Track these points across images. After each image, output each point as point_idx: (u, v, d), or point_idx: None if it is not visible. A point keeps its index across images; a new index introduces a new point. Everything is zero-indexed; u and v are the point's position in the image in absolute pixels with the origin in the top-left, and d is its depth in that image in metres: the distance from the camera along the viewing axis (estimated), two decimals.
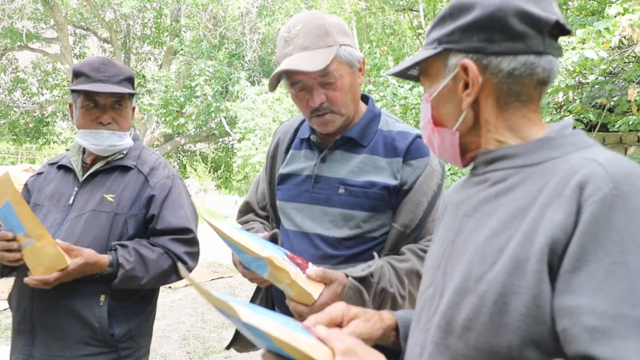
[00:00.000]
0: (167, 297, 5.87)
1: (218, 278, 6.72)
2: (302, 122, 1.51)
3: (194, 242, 1.67)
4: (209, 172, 16.65)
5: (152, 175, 1.68)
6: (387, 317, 0.94)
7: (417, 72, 0.92)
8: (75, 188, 1.66)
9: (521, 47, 0.77)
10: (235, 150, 12.94)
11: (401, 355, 0.94)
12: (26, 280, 1.46)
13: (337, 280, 1.19)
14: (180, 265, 0.69)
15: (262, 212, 1.59)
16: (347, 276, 1.20)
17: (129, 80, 1.68)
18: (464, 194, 0.87)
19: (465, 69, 0.80)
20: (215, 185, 16.52)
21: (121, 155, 1.70)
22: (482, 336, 0.71)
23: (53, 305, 1.55)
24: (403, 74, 0.94)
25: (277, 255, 1.07)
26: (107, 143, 1.64)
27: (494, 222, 0.75)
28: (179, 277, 1.66)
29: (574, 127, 0.81)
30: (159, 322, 5.12)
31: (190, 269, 1.66)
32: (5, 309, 5.36)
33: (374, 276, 1.24)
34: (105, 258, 1.53)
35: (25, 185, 1.79)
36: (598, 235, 0.63)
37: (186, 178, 16.74)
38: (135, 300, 1.65)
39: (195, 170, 16.07)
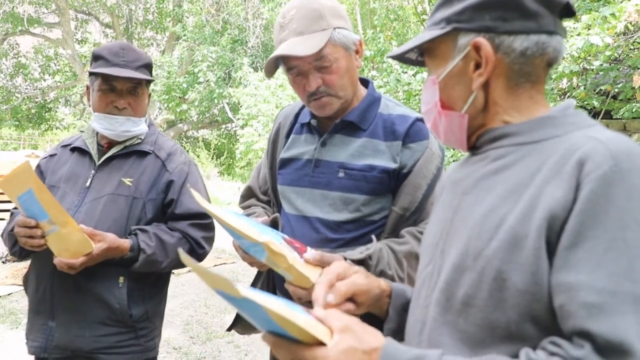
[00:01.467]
0: (170, 283, 5.88)
1: (221, 264, 6.76)
2: (303, 106, 1.52)
3: (210, 227, 1.71)
4: (212, 158, 16.66)
5: (170, 161, 1.70)
6: (384, 283, 0.96)
7: (416, 56, 0.91)
8: (92, 171, 1.68)
9: (534, 26, 0.77)
10: (238, 137, 12.92)
11: (385, 323, 0.95)
12: (55, 261, 1.49)
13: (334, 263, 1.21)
14: (180, 250, 0.70)
15: (263, 197, 1.60)
16: (345, 259, 1.21)
17: (147, 67, 1.70)
18: (463, 172, 0.87)
19: (477, 48, 0.79)
20: (218, 172, 16.54)
21: (139, 141, 1.73)
22: (481, 312, 0.72)
23: (73, 287, 1.59)
24: (403, 58, 0.93)
25: (275, 240, 1.08)
26: (121, 129, 1.66)
27: (491, 198, 0.76)
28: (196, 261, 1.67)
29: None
30: None
31: (205, 254, 1.70)
32: (9, 294, 5.41)
33: (372, 259, 1.25)
34: (127, 243, 1.56)
35: (38, 166, 1.80)
36: (597, 212, 0.63)
37: None
38: (151, 283, 1.70)
39: (198, 156, 16.08)
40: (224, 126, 18.23)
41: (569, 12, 0.80)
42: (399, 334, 0.95)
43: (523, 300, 0.68)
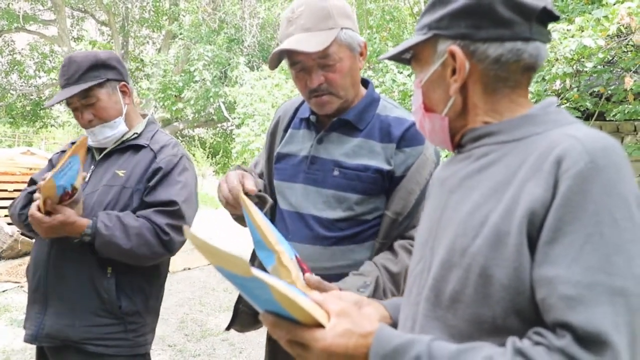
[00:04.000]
0: (166, 281, 5.91)
1: None
2: (304, 101, 1.54)
3: (178, 215, 1.67)
4: (207, 157, 16.61)
5: (161, 152, 1.75)
6: (383, 310, 0.97)
7: (410, 56, 0.94)
8: (92, 166, 1.75)
9: (507, 34, 0.79)
10: (233, 136, 12.90)
11: None
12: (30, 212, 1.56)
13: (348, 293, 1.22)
14: (185, 227, 0.72)
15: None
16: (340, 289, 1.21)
17: (95, 68, 1.69)
18: (449, 171, 0.90)
19: (453, 55, 0.82)
20: (214, 171, 16.50)
21: (135, 136, 1.78)
22: (468, 307, 0.75)
23: (66, 274, 1.64)
24: (398, 58, 0.96)
25: (287, 253, 1.09)
26: (100, 137, 1.72)
27: (476, 196, 0.79)
28: (167, 251, 1.67)
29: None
30: None
31: (172, 242, 1.67)
32: (4, 291, 5.40)
33: (369, 292, 1.26)
34: (85, 221, 1.58)
35: (50, 161, 1.92)
36: (574, 207, 0.66)
37: None
38: (143, 277, 1.72)
39: (193, 155, 16.03)
40: (219, 125, 18.16)
41: (552, 17, 0.82)
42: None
43: (507, 295, 0.70)
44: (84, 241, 1.58)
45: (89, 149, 1.81)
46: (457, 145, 0.91)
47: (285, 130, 1.53)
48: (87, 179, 1.72)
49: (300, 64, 1.34)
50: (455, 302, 0.77)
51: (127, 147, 1.76)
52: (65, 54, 17.58)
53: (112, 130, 1.72)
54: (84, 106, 1.69)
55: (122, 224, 1.61)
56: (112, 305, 1.63)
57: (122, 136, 1.76)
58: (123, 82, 1.78)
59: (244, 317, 1.57)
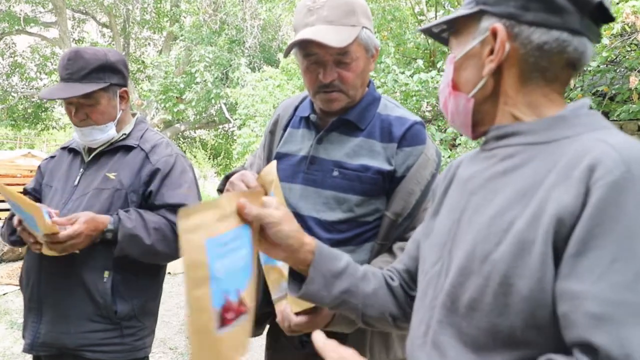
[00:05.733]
0: (167, 283, 5.88)
1: None
2: (303, 100, 1.50)
3: None
4: (209, 158, 16.60)
5: (154, 153, 1.70)
6: (309, 238, 0.95)
7: (448, 34, 0.89)
8: (81, 169, 1.70)
9: (556, 21, 0.75)
10: (235, 137, 12.88)
11: (305, 283, 0.94)
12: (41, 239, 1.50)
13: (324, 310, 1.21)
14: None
15: None
16: None
17: (102, 70, 1.64)
18: (471, 170, 0.85)
19: (494, 33, 0.77)
20: (215, 172, 16.50)
21: (124, 136, 1.73)
22: (486, 316, 0.71)
23: (60, 280, 1.60)
24: (437, 36, 0.91)
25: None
26: (88, 138, 1.69)
27: (499, 200, 0.74)
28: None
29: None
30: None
31: None
32: (4, 294, 5.38)
33: None
34: (106, 217, 1.56)
35: (39, 168, 1.86)
36: (605, 219, 0.61)
37: None
38: (139, 279, 1.68)
39: (194, 157, 16.03)
40: (221, 126, 18.17)
41: (606, 16, 0.77)
42: (321, 298, 0.94)
43: (527, 307, 0.66)
44: (105, 239, 1.54)
45: (77, 152, 1.77)
46: (481, 138, 0.87)
47: (285, 129, 1.49)
48: (76, 183, 1.69)
49: (316, 57, 1.30)
50: (472, 310, 0.73)
51: (116, 148, 1.72)
52: None
53: (102, 133, 1.69)
54: (80, 104, 1.64)
55: (141, 218, 1.59)
56: (107, 310, 1.59)
57: (111, 138, 1.73)
58: (124, 88, 1.74)
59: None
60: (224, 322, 0.80)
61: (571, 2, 0.74)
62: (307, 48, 1.29)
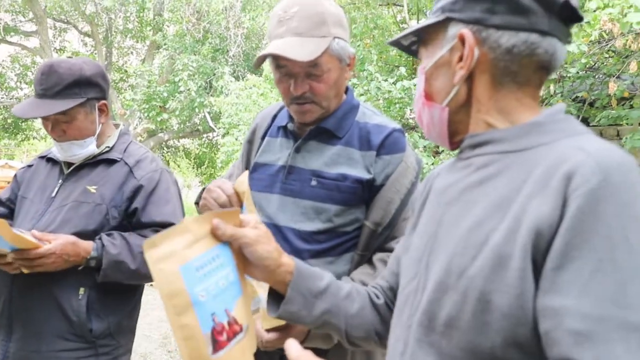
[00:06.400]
0: (149, 295, 5.80)
1: None
2: (281, 109, 1.48)
3: None
4: (193, 167, 16.49)
5: (138, 168, 1.64)
6: (287, 258, 0.92)
7: (417, 45, 0.87)
8: (60, 181, 1.64)
9: (523, 23, 0.73)
10: (219, 146, 12.82)
11: (283, 303, 0.91)
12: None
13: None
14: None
15: None
16: None
17: (77, 85, 1.57)
18: (447, 180, 0.82)
19: (462, 39, 0.75)
20: (200, 181, 16.38)
21: (107, 149, 1.67)
22: (464, 335, 0.67)
23: (32, 296, 1.53)
24: (405, 49, 0.89)
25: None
26: (67, 154, 1.64)
27: (476, 211, 0.71)
28: None
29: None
30: (140, 320, 5.04)
31: None
32: None
33: None
34: (89, 243, 1.49)
35: (15, 177, 1.78)
36: (584, 230, 0.58)
37: None
38: (116, 296, 1.61)
39: (178, 166, 15.90)
40: (205, 135, 18.07)
41: (574, 16, 0.75)
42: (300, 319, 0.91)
43: (507, 324, 0.63)
44: (88, 266, 1.49)
45: (55, 162, 1.72)
46: (457, 148, 0.85)
47: (263, 138, 1.47)
48: (54, 194, 1.63)
49: (286, 69, 1.28)
50: (451, 328, 0.70)
51: (98, 161, 1.67)
52: None
53: (81, 149, 1.64)
54: (56, 121, 1.60)
55: (127, 242, 1.54)
56: (81, 329, 1.53)
57: (92, 153, 1.68)
58: (103, 101, 1.68)
59: None
60: (218, 345, 0.78)
61: (537, 3, 0.73)
62: (276, 61, 1.28)
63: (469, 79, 0.78)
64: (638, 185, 0.61)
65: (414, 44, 0.88)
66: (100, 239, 1.53)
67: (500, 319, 0.64)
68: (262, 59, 1.28)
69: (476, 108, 0.79)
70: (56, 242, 1.43)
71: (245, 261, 0.89)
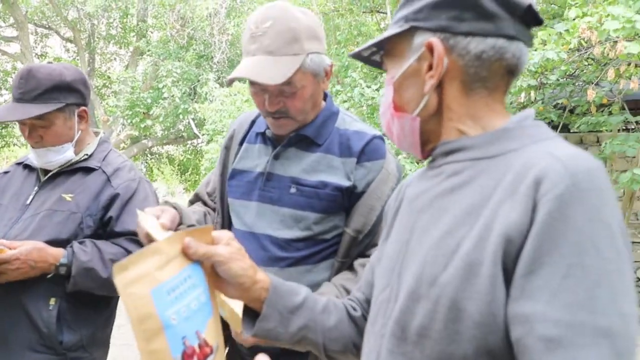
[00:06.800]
0: (117, 307, 5.70)
1: None
2: (260, 114, 1.47)
3: None
4: (177, 174, 16.36)
5: (116, 177, 1.61)
6: (262, 275, 0.88)
7: (380, 58, 0.87)
8: (36, 188, 1.60)
9: (491, 29, 0.73)
10: (203, 153, 12.74)
11: (259, 320, 0.87)
12: None
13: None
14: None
15: (212, 202, 1.54)
16: None
17: (56, 90, 1.55)
18: (419, 188, 0.82)
19: (430, 48, 0.75)
20: (184, 188, 16.25)
21: (85, 157, 1.64)
22: (437, 344, 0.67)
23: (0, 306, 1.47)
24: (367, 60, 0.89)
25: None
26: (44, 160, 1.60)
27: (447, 219, 0.71)
28: None
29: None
30: (122, 329, 4.95)
31: None
32: None
33: None
34: (59, 250, 1.46)
35: None
36: (554, 235, 0.58)
37: (153, 181, 16.39)
38: (89, 306, 1.57)
39: (162, 173, 15.77)
40: (189, 142, 17.96)
41: (535, 20, 0.76)
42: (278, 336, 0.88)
43: (479, 333, 0.63)
44: (58, 274, 1.45)
45: (32, 169, 1.69)
46: (429, 157, 0.85)
47: (240, 144, 1.45)
48: (28, 201, 1.59)
49: (259, 86, 1.26)
50: (423, 337, 0.69)
51: (76, 169, 1.64)
52: None
53: (58, 155, 1.61)
54: (34, 126, 1.57)
55: (98, 250, 1.51)
56: (51, 340, 1.48)
57: (69, 160, 1.65)
58: (83, 107, 1.65)
59: None
60: None
61: (502, 8, 0.73)
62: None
63: (439, 87, 0.77)
64: (606, 189, 0.61)
65: (374, 53, 0.87)
66: (71, 246, 1.50)
67: (471, 327, 0.63)
68: (233, 80, 1.26)
69: (448, 116, 0.78)
70: (21, 248, 1.39)
71: (218, 279, 0.86)
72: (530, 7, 0.74)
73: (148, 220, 1.09)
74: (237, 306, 0.96)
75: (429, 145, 0.83)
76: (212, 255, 0.81)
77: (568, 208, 0.59)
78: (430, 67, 0.76)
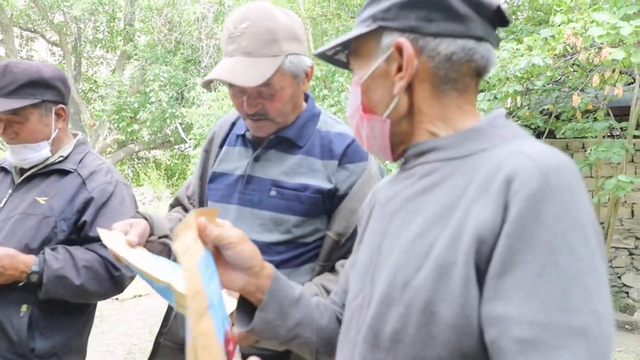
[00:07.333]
0: (114, 310, 5.63)
1: None
2: (240, 116, 1.44)
3: None
4: (164, 179, 16.24)
5: (91, 180, 1.57)
6: (268, 264, 0.85)
7: (346, 57, 0.85)
8: (10, 191, 1.56)
9: (461, 30, 0.71)
10: (190, 158, 12.65)
11: (259, 309, 0.83)
12: None
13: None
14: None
15: (191, 206, 1.51)
16: None
17: (32, 85, 1.52)
18: (390, 192, 0.80)
19: (399, 49, 0.73)
20: (171, 193, 16.12)
21: (61, 159, 1.60)
22: (410, 349, 0.64)
23: None
24: (332, 60, 0.87)
25: (179, 282, 0.87)
26: (19, 157, 1.56)
27: (419, 221, 0.69)
28: (119, 287, 1.54)
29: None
30: (104, 336, 4.88)
31: (123, 277, 1.53)
32: None
33: None
34: (29, 257, 1.41)
35: None
36: (526, 234, 0.57)
37: (140, 186, 16.24)
38: (63, 313, 1.52)
39: (149, 177, 15.64)
40: (176, 147, 17.85)
41: (502, 21, 0.75)
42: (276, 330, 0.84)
43: (453, 336, 0.61)
44: (30, 282, 1.40)
45: (8, 171, 1.64)
46: (399, 160, 0.83)
47: (221, 147, 1.42)
48: (1, 205, 1.54)
49: (238, 87, 1.23)
50: (396, 343, 0.67)
51: (50, 171, 1.59)
52: None
53: (33, 152, 1.56)
54: (8, 121, 1.53)
55: (71, 256, 1.46)
56: (22, 348, 1.43)
57: (45, 159, 1.60)
58: (61, 105, 1.61)
59: (166, 351, 1.44)
60: (229, 356, 0.69)
61: (472, 9, 0.72)
62: None
63: (409, 88, 0.75)
64: (578, 186, 0.60)
65: (338, 52, 0.84)
66: (43, 253, 1.45)
67: (445, 330, 0.61)
68: (210, 81, 1.23)
69: (418, 118, 0.76)
70: None
71: (223, 268, 0.80)
72: (499, 8, 0.73)
73: (112, 238, 1.05)
74: (230, 302, 0.91)
75: (400, 147, 0.81)
76: (225, 237, 0.78)
77: (540, 206, 0.57)
78: (399, 69, 0.74)
